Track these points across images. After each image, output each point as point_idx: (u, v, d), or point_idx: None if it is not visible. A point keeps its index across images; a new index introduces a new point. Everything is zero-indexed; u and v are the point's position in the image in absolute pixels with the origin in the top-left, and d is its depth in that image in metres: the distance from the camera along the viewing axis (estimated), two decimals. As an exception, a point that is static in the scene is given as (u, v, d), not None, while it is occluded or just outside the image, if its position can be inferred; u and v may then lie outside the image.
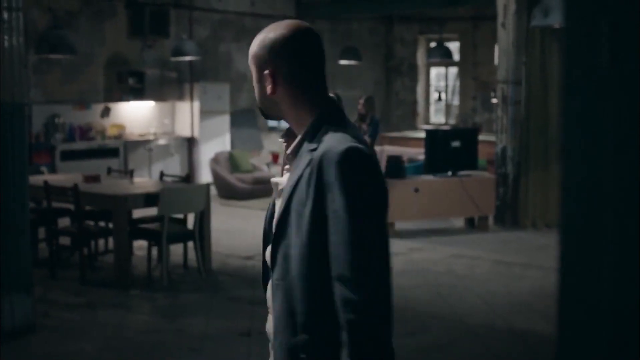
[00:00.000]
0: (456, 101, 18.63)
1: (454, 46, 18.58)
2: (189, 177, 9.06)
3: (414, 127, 18.71)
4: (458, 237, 10.51)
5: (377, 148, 10.91)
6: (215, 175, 13.80)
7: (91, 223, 8.64)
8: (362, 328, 2.13)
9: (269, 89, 2.39)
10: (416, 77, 19.22)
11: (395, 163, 10.43)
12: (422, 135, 17.15)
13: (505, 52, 11.10)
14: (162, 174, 9.24)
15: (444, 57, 14.09)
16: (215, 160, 13.95)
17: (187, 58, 13.52)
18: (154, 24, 14.25)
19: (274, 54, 2.38)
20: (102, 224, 8.79)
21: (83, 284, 7.79)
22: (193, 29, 15.14)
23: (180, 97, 15.21)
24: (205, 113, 15.09)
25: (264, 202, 13.28)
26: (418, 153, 13.47)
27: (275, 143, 16.96)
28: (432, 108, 19.58)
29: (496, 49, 18.45)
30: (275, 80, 2.37)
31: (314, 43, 2.44)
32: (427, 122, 19.19)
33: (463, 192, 10.62)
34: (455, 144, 10.74)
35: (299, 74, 2.40)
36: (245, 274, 8.39)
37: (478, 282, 8.09)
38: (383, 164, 10.75)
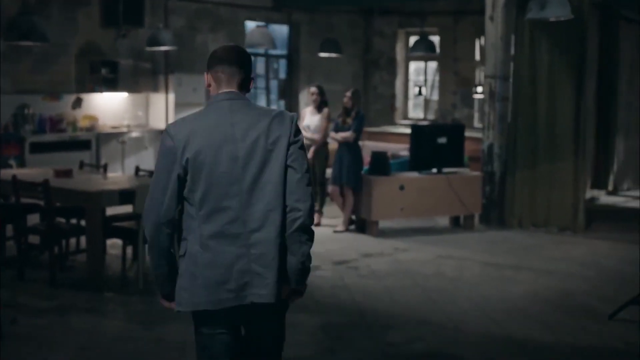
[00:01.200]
0: (435, 96, 18.26)
1: (434, 40, 18.20)
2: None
3: (392, 122, 18.31)
4: (444, 236, 10.13)
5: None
6: (191, 169, 13.30)
7: (62, 220, 8.14)
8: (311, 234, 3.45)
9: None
10: (395, 71, 18.82)
11: (380, 159, 10.03)
12: (402, 130, 16.79)
13: (493, 47, 10.73)
14: (137, 169, 8.76)
15: (428, 51, 13.70)
16: (191, 154, 13.45)
17: (163, 48, 13.02)
18: (128, 13, 13.72)
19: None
20: (74, 221, 8.29)
21: (53, 286, 7.29)
22: (168, 18, 14.62)
23: (155, 89, 14.70)
24: (180, 105, 14.59)
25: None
26: (399, 149, 13.09)
27: (251, 137, 16.49)
28: (411, 103, 19.20)
29: (477, 44, 18.17)
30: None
31: None
32: (405, 117, 18.81)
33: (449, 190, 10.24)
34: (442, 140, 10.35)
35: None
36: (226, 276, 7.93)
37: (469, 286, 7.71)
38: (366, 160, 10.36)
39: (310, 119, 10.55)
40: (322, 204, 10.63)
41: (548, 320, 6.67)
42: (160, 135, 14.71)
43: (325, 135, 10.51)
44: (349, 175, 9.97)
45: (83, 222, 7.88)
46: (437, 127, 11.13)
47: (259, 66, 17.21)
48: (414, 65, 19.12)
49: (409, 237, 10.01)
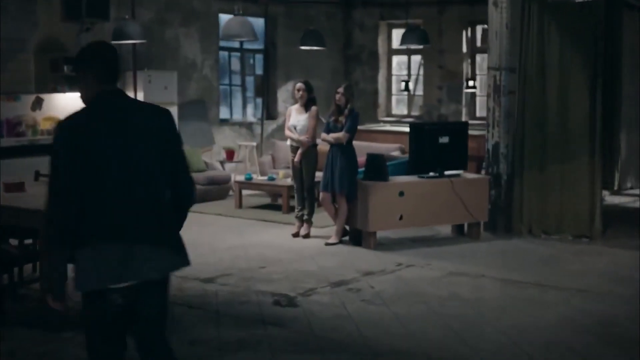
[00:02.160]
0: (420, 91, 17.09)
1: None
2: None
3: (375, 120, 17.14)
4: (449, 248, 8.95)
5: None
6: (164, 175, 12.01)
7: (14, 243, 6.84)
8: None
9: None
10: (377, 65, 17.64)
11: (377, 163, 8.83)
12: (388, 128, 15.60)
13: (498, 35, 9.56)
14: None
15: (419, 42, 12.44)
16: (163, 158, 12.16)
17: (130, 42, 11.69)
18: (92, 5, 12.49)
19: None
20: (29, 242, 7.00)
21: (1, 324, 6.01)
22: (136, 11, 13.29)
23: (122, 87, 13.30)
24: (150, 105, 13.25)
25: (219, 206, 11.52)
26: (389, 149, 11.91)
27: (227, 137, 15.22)
28: (394, 99, 18.01)
29: (464, 35, 17.05)
30: None
31: None
32: (389, 114, 17.64)
33: (453, 196, 9.07)
34: (444, 140, 9.17)
35: None
36: (209, 305, 6.71)
37: (493, 311, 6.52)
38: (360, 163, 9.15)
39: (296, 119, 9.33)
40: (311, 213, 9.41)
41: (596, 357, 5.50)
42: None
43: (314, 136, 9.29)
44: (342, 181, 8.76)
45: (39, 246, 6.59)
46: (438, 125, 9.92)
47: (234, 62, 15.95)
48: (396, 59, 17.94)
49: (410, 249, 8.82)
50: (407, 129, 15.24)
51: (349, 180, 8.77)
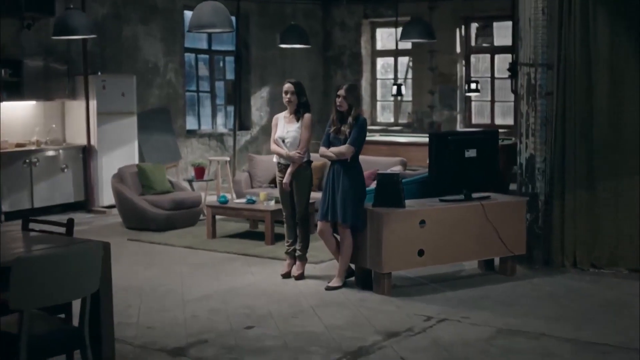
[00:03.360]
0: (409, 96, 15.12)
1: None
2: (70, 226, 5.06)
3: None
4: (482, 290, 6.93)
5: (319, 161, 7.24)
6: (119, 198, 9.89)
7: None
8: None
9: None
10: (360, 69, 15.66)
11: (391, 184, 6.79)
12: (378, 138, 13.60)
13: (532, 24, 7.61)
14: (26, 219, 5.27)
15: (423, 36, 10.38)
16: (118, 177, 10.04)
17: (75, 37, 9.58)
18: (34, -1, 10.52)
19: None
20: None
21: None
22: (87, 4, 11.19)
23: (72, 95, 11.29)
24: (104, 115, 11.22)
25: (188, 236, 8.96)
26: (388, 163, 9.92)
27: (195, 151, 13.12)
28: (379, 105, 16.03)
29: (457, 33, 15.13)
30: None
31: None
32: (373, 122, 15.64)
33: (485, 224, 7.07)
34: (470, 153, 7.17)
35: None
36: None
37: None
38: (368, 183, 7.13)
39: (284, 129, 7.28)
40: (304, 248, 7.35)
41: None
42: (82, 153, 11.35)
43: (307, 151, 7.25)
44: (346, 208, 6.73)
45: None
46: (463, 135, 7.83)
47: (201, 65, 13.86)
48: (381, 62, 15.98)
49: (434, 294, 6.80)
50: (400, 139, 13.39)
51: (354, 206, 6.74)
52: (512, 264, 7.41)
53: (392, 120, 15.73)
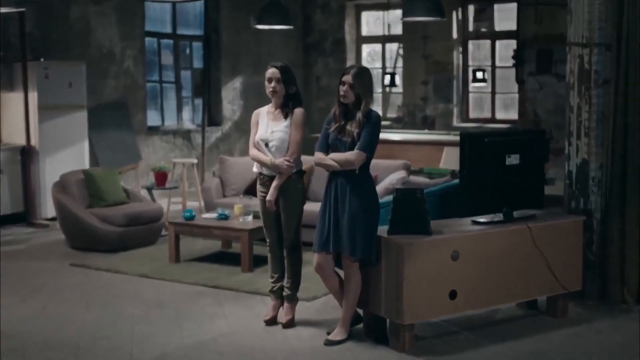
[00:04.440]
0: (399, 88, 13.29)
1: (394, 15, 13.26)
2: None
3: (342, 124, 13.28)
4: (532, 341, 5.14)
5: (306, 164, 5.23)
6: (61, 211, 7.97)
7: None
8: None
9: None
10: (344, 56, 13.79)
11: (413, 205, 4.96)
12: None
13: (586, -8, 5.81)
14: None
15: (433, 13, 8.49)
16: (60, 186, 8.12)
17: (4, 10, 7.63)
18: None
19: None
20: None
21: None
22: (25, -23, 9.25)
23: (8, 86, 9.36)
24: (47, 109, 9.29)
25: (146, 259, 7.51)
26: (390, 167, 8.13)
27: (158, 151, 11.22)
28: (365, 98, 14.14)
29: (454, 17, 13.34)
30: None
31: None
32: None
33: (533, 252, 5.28)
34: (513, 159, 5.36)
35: None
36: None
37: None
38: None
39: (268, 129, 5.41)
40: (295, 285, 5.50)
41: None
42: (20, 154, 9.23)
43: (298, 158, 5.38)
44: (355, 236, 4.90)
45: None
46: (504, 136, 5.91)
47: (165, 53, 11.94)
48: (367, 49, 14.15)
49: (472, 350, 5.00)
50: (393, 136, 11.48)
51: (366, 234, 4.91)
52: (563, 303, 5.62)
53: (379, 113, 13.89)
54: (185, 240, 7.71)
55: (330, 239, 4.98)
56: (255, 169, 5.49)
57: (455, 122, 12.86)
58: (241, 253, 6.93)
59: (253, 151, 5.42)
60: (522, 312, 5.75)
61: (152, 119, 11.61)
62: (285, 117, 5.36)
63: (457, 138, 10.76)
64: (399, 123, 13.32)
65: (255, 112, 5.56)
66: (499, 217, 5.38)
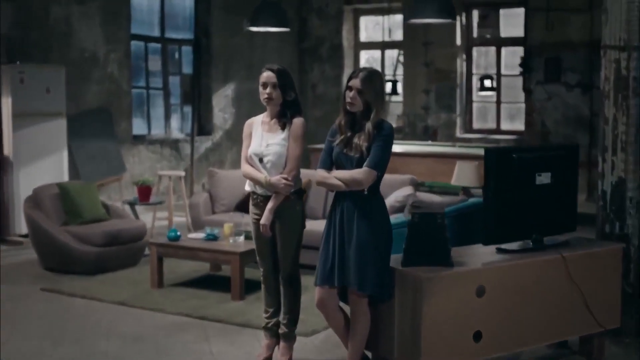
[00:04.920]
0: (399, 96, 12.57)
1: (395, 20, 12.57)
2: None
3: (339, 134, 12.55)
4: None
5: (303, 177, 4.52)
6: (34, 229, 7.20)
7: None
8: None
9: None
10: (341, 63, 13.08)
11: (432, 232, 4.22)
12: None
13: (625, -13, 5.09)
14: None
15: (443, 15, 7.73)
16: (33, 201, 7.36)
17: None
18: None
19: None
20: None
21: None
22: (-1, -26, 8.50)
23: (-20, 90, 8.58)
24: (23, 116, 8.55)
25: (125, 283, 6.75)
26: (394, 182, 7.37)
27: (144, 162, 10.49)
28: (362, 106, 13.43)
29: (458, 23, 12.65)
30: None
31: None
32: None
33: (567, 286, 4.54)
34: (543, 178, 4.63)
35: None
36: None
37: None
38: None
39: (262, 142, 4.66)
40: (293, 322, 4.74)
41: None
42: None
43: (297, 175, 4.63)
44: (365, 268, 4.16)
45: None
46: (533, 152, 5.16)
47: (152, 57, 11.21)
48: (365, 55, 13.46)
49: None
50: (393, 148, 10.60)
51: (377, 266, 4.17)
52: (599, 342, 4.88)
53: (392, 125, 13.17)
54: (170, 261, 6.95)
55: (335, 271, 4.24)
56: (248, 187, 4.74)
57: (459, 133, 12.15)
58: (231, 278, 6.17)
59: (245, 167, 4.68)
60: (551, 351, 5.00)
61: (138, 127, 10.84)
62: (283, 128, 4.62)
63: (463, 150, 10.09)
64: (399, 133, 12.59)
65: (248, 122, 4.82)
66: (527, 244, 4.65)
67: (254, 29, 8.78)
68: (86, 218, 7.30)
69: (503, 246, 4.60)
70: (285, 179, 4.53)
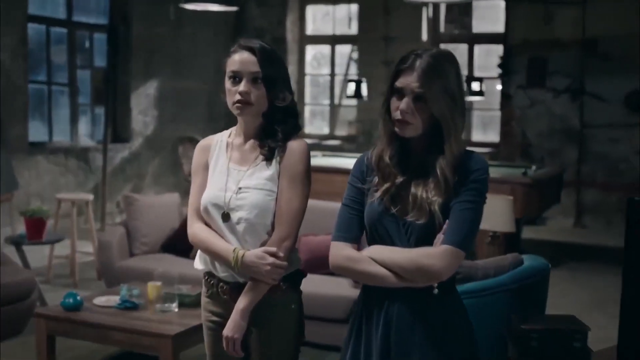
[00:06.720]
0: (352, 100, 10.56)
1: (348, 10, 10.56)
2: None
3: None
4: None
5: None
6: None
7: None
8: None
9: None
10: (284, 58, 10.97)
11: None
12: (321, 161, 8.96)
13: None
14: None
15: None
16: None
17: None
18: None
19: None
20: None
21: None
22: None
23: None
24: None
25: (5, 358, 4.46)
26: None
27: (44, 176, 8.15)
28: (308, 111, 11.43)
29: (424, 13, 10.73)
30: None
31: None
32: (301, 134, 10.96)
33: None
34: None
35: None
36: None
37: None
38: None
39: (228, 183, 2.48)
40: None
41: None
42: None
43: (292, 246, 2.45)
44: None
45: None
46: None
47: (57, 49, 8.91)
48: (312, 51, 11.43)
49: None
50: (341, 162, 8.42)
51: None
52: None
53: (326, 131, 11.12)
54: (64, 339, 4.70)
55: None
56: (200, 265, 2.57)
57: (423, 144, 10.20)
58: (160, 372, 3.96)
59: (196, 228, 2.50)
60: None
61: (36, 132, 8.51)
62: (269, 157, 2.47)
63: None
64: (352, 143, 10.60)
65: (202, 144, 2.64)
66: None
67: (189, 6, 6.52)
68: (-55, 268, 4.96)
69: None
70: (274, 254, 2.37)
